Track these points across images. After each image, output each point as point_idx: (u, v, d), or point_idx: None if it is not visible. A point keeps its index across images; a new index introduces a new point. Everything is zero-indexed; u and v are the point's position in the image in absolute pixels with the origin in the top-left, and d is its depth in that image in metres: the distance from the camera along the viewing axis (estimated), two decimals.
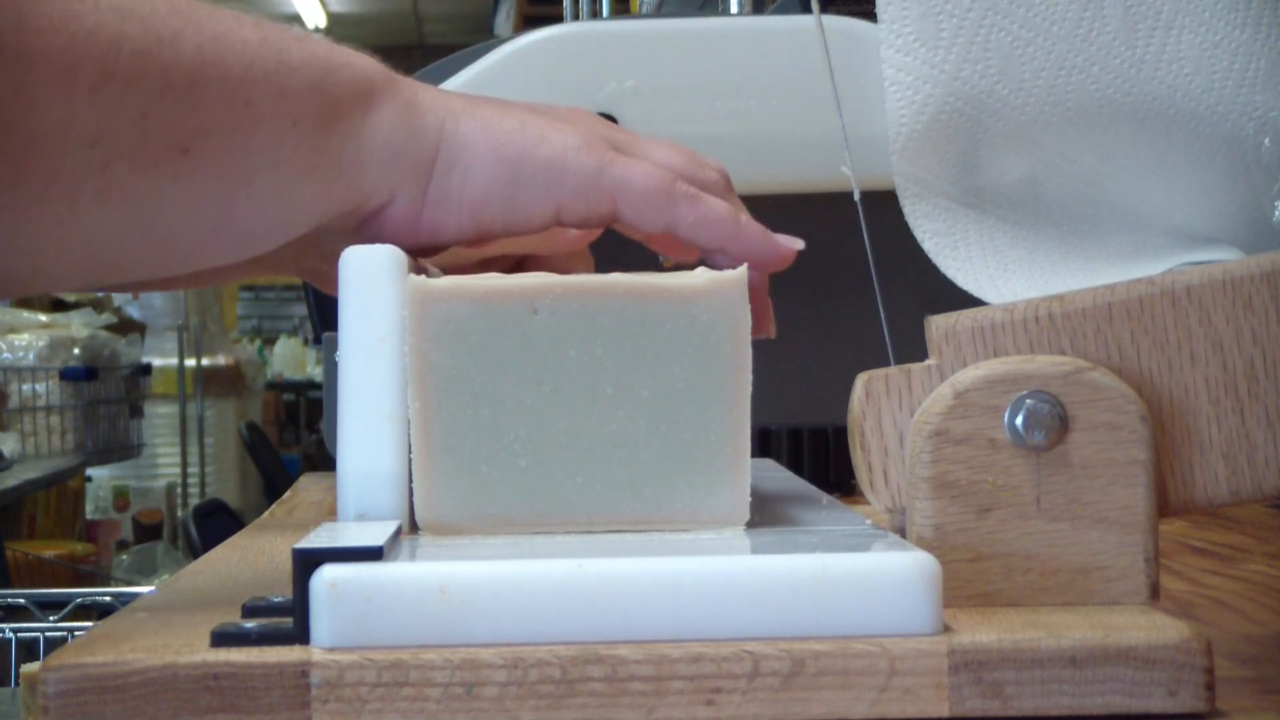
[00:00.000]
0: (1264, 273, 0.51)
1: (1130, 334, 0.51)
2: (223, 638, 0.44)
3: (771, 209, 1.03)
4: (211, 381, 5.39)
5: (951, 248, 1.10)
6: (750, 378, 0.52)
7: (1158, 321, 0.51)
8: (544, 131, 0.61)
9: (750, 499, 0.52)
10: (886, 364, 0.54)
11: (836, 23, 1.16)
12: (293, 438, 6.94)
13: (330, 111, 0.59)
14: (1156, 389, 0.51)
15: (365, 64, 0.61)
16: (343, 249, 0.55)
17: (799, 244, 0.68)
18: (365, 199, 0.60)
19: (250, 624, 0.45)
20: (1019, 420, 0.49)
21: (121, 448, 3.62)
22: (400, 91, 0.61)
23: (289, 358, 7.25)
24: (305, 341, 7.35)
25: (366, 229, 0.61)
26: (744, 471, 0.52)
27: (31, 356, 3.30)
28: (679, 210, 0.61)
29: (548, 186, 0.60)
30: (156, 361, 4.49)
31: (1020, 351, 0.51)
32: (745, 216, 0.65)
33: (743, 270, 0.52)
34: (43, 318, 3.52)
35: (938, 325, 0.52)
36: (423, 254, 0.63)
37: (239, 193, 0.57)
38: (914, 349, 0.53)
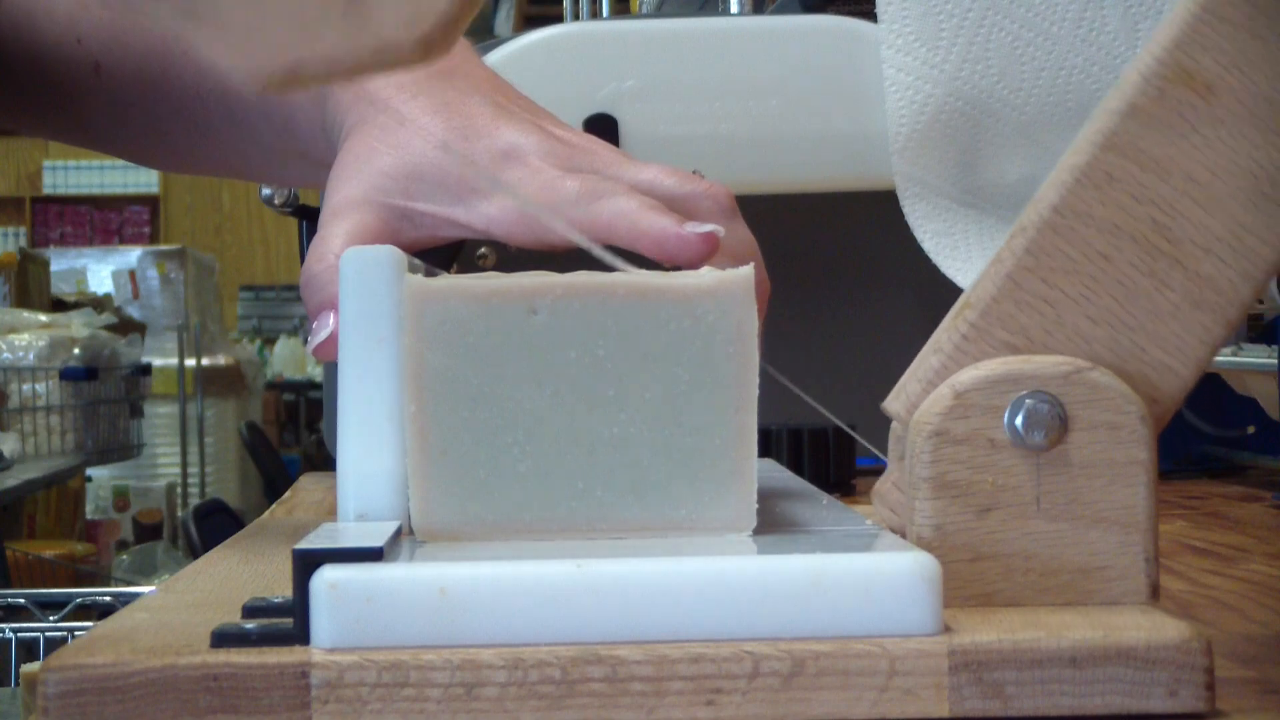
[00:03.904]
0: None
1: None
2: (223, 638, 0.44)
3: (772, 209, 1.03)
4: (211, 381, 5.39)
5: (951, 248, 1.10)
6: (757, 380, 0.52)
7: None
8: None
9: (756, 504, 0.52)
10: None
11: (836, 23, 1.16)
12: (293, 438, 6.93)
13: None
14: None
15: None
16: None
17: (709, 229, 0.67)
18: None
19: (250, 624, 0.45)
20: (1019, 420, 0.49)
21: (121, 448, 3.62)
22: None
23: (289, 358, 7.25)
24: (305, 341, 7.33)
25: None
26: (750, 477, 0.51)
27: (31, 356, 3.30)
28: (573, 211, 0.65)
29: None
30: (156, 361, 4.49)
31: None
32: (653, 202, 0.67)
33: (749, 269, 0.52)
34: (43, 318, 3.53)
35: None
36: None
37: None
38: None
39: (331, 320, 0.67)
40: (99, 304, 4.23)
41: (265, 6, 0.46)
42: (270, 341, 7.52)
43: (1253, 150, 0.50)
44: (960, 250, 1.09)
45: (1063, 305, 0.50)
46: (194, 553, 3.03)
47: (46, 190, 8.64)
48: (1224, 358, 1.04)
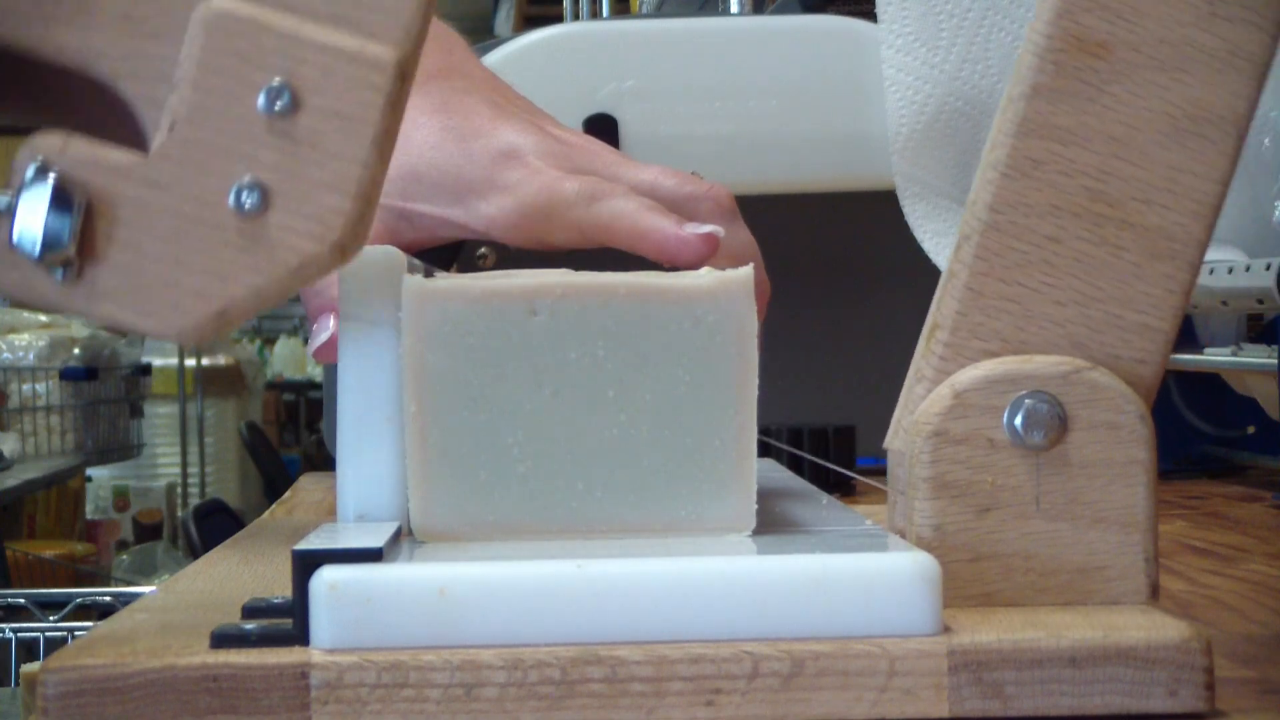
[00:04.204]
0: None
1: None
2: (222, 639, 0.44)
3: (772, 209, 1.03)
4: (211, 381, 5.39)
5: (951, 248, 1.10)
6: (756, 381, 0.52)
7: None
8: None
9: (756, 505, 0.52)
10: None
11: (836, 23, 1.16)
12: (293, 438, 6.93)
13: None
14: None
15: None
16: None
17: (709, 230, 0.67)
18: None
19: (250, 625, 0.45)
20: (1018, 420, 0.49)
21: (121, 448, 3.62)
22: None
23: (289, 358, 7.24)
24: (305, 341, 7.32)
25: None
26: (749, 477, 0.51)
27: (31, 356, 3.30)
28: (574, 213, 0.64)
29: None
30: (156, 361, 4.49)
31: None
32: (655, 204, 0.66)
33: (749, 270, 0.52)
34: (43, 318, 3.52)
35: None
36: None
37: None
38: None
39: (331, 323, 0.67)
40: None
41: (169, 267, 0.47)
42: (270, 341, 7.52)
43: (1162, 92, 0.50)
44: None
45: (1027, 299, 0.50)
46: (194, 553, 3.02)
47: None
48: (1224, 358, 1.04)
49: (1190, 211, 0.50)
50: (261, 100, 0.47)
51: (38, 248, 0.46)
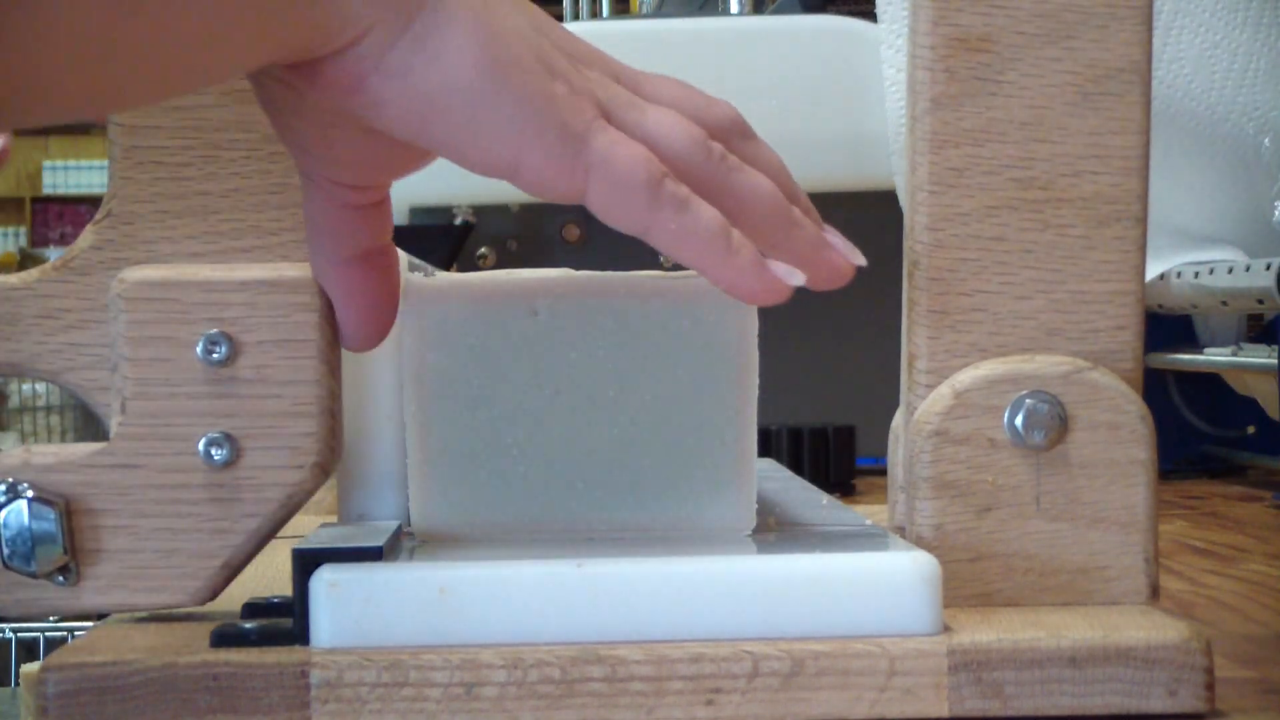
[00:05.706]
0: None
1: None
2: (222, 638, 0.44)
3: None
4: None
5: None
6: (756, 380, 0.52)
7: None
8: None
9: (756, 504, 0.52)
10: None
11: (836, 23, 1.16)
12: None
13: None
14: None
15: None
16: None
17: (797, 278, 0.56)
18: (335, 32, 0.42)
19: (250, 624, 0.45)
20: (1019, 420, 0.49)
21: None
22: None
23: None
24: None
25: (296, 75, 0.44)
26: (750, 477, 0.51)
27: None
28: (659, 216, 0.47)
29: (519, 124, 0.45)
30: None
31: None
32: (739, 235, 0.52)
33: None
34: None
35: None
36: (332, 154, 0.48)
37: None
38: None
39: None
40: None
41: (164, 539, 0.48)
42: None
43: (1056, 65, 0.50)
44: None
45: (992, 304, 0.50)
46: None
47: (46, 190, 8.64)
48: (1224, 358, 1.04)
49: (1120, 169, 0.50)
50: (200, 354, 0.47)
51: (32, 562, 0.47)
